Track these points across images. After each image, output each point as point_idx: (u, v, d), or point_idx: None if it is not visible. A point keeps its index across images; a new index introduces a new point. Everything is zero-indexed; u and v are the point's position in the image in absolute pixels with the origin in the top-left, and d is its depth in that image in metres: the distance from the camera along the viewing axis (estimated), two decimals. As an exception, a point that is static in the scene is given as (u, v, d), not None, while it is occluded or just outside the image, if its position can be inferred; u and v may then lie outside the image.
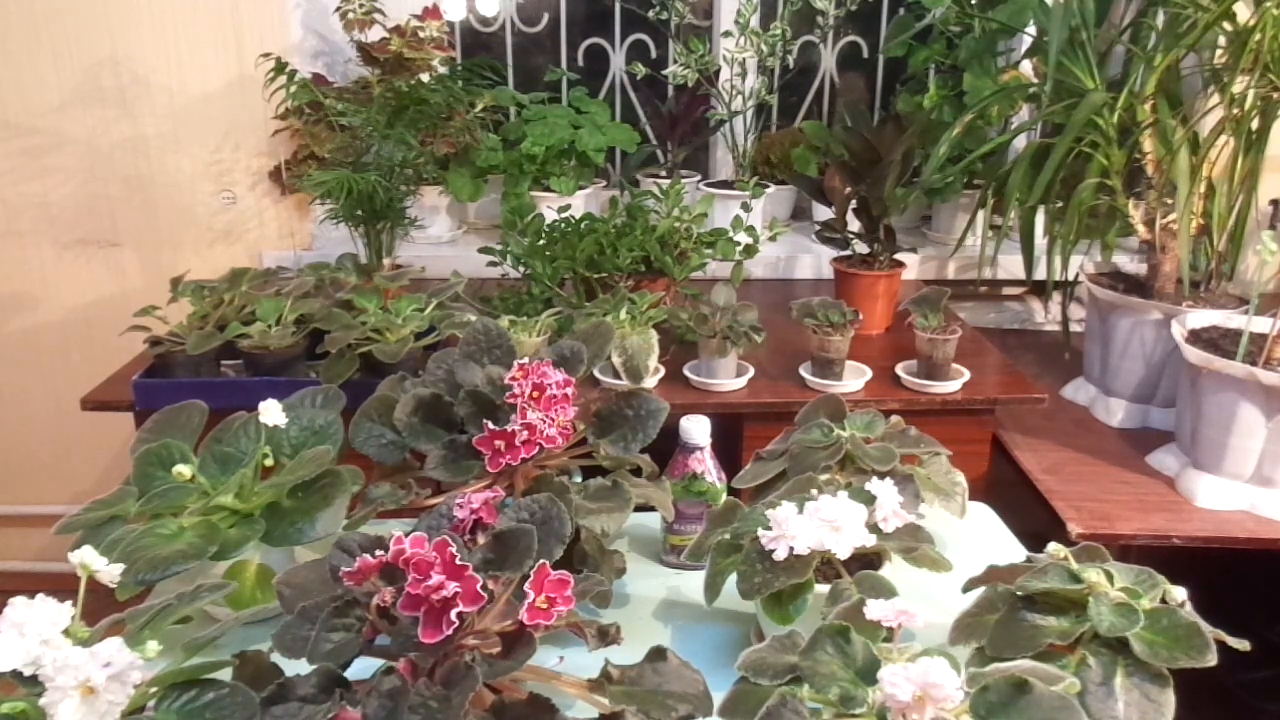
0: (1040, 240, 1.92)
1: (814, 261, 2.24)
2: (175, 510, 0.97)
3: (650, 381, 1.59)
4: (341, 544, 0.84)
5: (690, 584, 1.14)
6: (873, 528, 0.94)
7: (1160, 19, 1.68)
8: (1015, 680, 0.69)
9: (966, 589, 0.93)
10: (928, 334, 1.61)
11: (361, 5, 1.94)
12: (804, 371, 1.66)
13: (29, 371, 2.27)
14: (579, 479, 1.10)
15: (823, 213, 1.99)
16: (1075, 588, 0.83)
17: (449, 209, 2.26)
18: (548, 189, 2.12)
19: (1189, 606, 0.83)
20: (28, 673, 0.70)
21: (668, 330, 1.66)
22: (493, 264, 1.79)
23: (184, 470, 0.98)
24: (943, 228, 2.31)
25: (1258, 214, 1.77)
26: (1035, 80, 1.89)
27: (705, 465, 1.15)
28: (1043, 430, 1.74)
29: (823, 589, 0.91)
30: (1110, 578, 0.84)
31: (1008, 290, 2.31)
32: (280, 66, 1.90)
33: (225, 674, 0.75)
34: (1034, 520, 1.48)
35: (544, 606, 0.76)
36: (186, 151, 2.15)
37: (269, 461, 1.03)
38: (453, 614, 0.72)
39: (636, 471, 1.10)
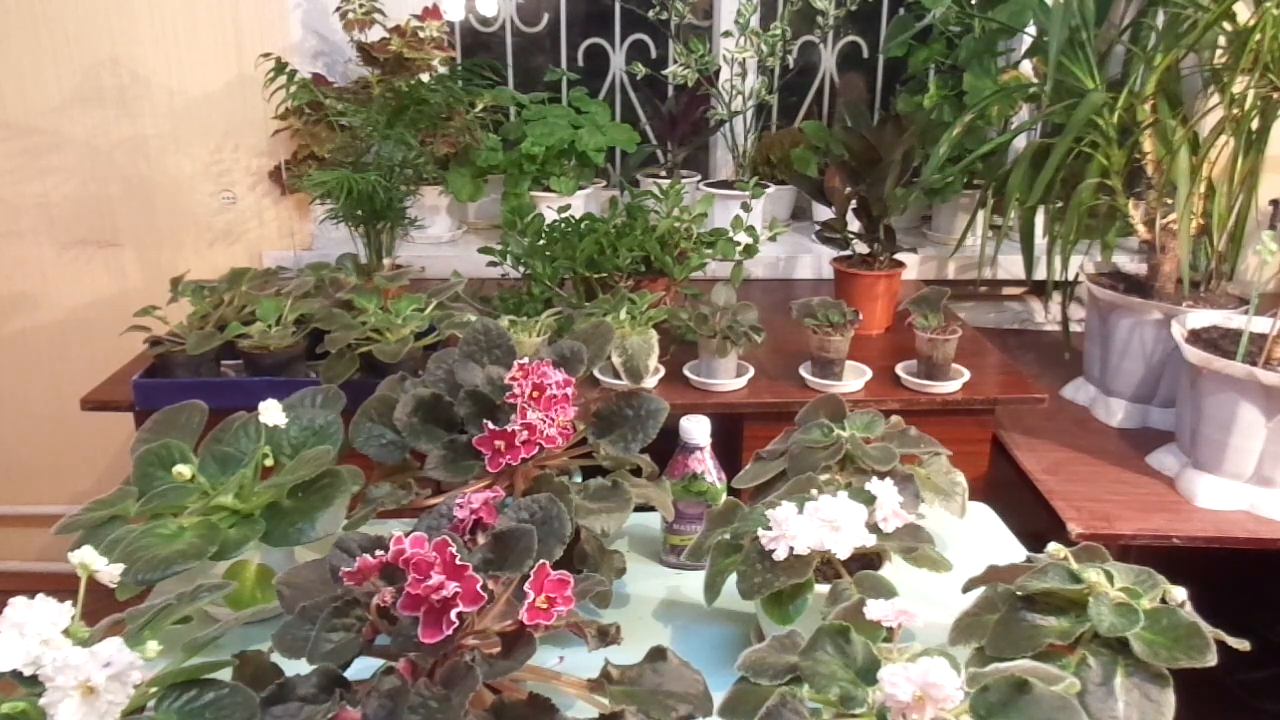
0: (1040, 240, 1.92)
1: (814, 261, 2.24)
2: (175, 510, 0.97)
3: (650, 381, 1.59)
4: (341, 544, 0.84)
5: (690, 584, 1.14)
6: (873, 528, 0.94)
7: (1160, 19, 1.68)
8: (1015, 680, 0.69)
9: (966, 589, 0.93)
10: (928, 334, 1.61)
11: (361, 5, 1.94)
12: (804, 371, 1.66)
13: (29, 371, 2.27)
14: (579, 479, 1.10)
15: (823, 213, 1.99)
16: (1075, 588, 0.83)
17: (449, 209, 2.26)
18: (548, 189, 2.12)
19: (1189, 606, 0.83)
20: (28, 673, 0.70)
21: (668, 330, 1.66)
22: (493, 264, 1.79)
23: (184, 470, 0.98)
24: (943, 228, 2.31)
25: (1258, 214, 1.77)
26: (1035, 80, 1.89)
27: (705, 465, 1.15)
28: (1043, 430, 1.74)
29: (823, 589, 0.91)
30: (1110, 578, 0.84)
31: (1008, 290, 2.31)
32: (280, 66, 1.90)
33: (225, 674, 0.75)
34: (1034, 520, 1.48)
35: (544, 606, 0.76)
36: (186, 151, 2.15)
37: (269, 461, 1.03)
38: (453, 614, 0.72)
39: (636, 471, 1.10)
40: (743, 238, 1.83)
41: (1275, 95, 1.57)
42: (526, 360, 1.06)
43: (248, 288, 1.66)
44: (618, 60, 2.38)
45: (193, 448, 1.03)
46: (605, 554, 1.03)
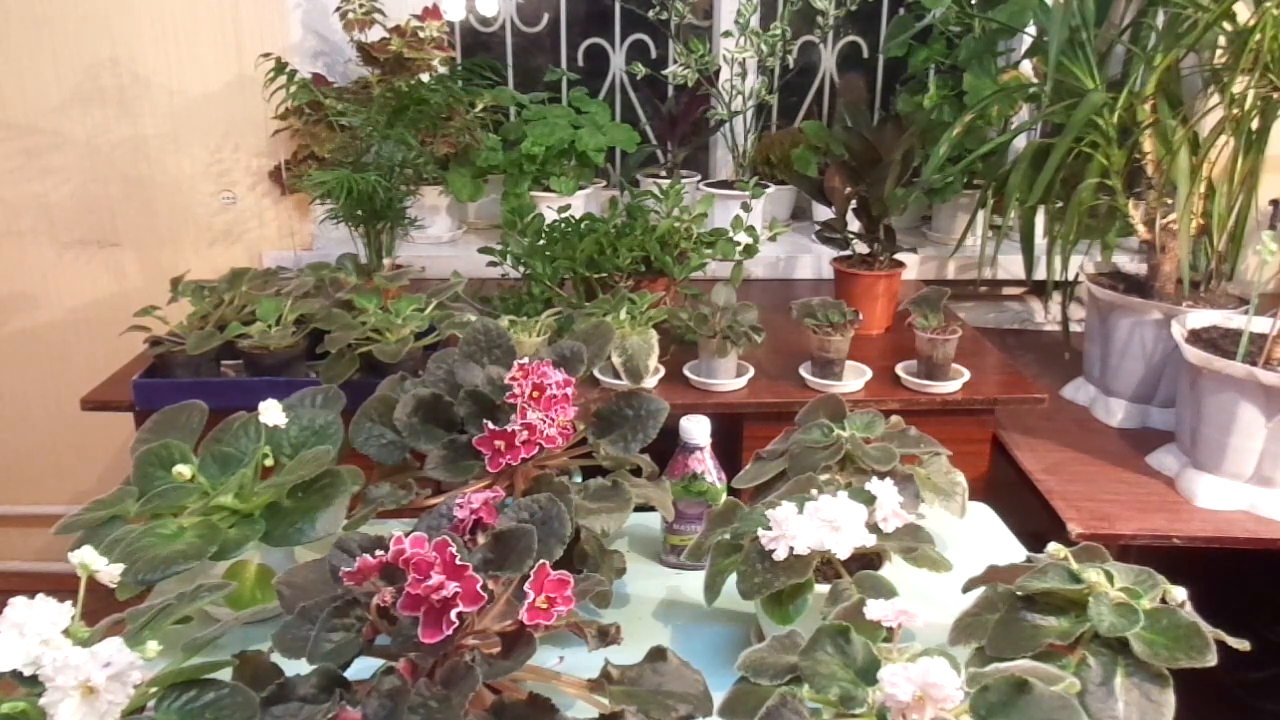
0: (1040, 240, 1.92)
1: (814, 261, 2.24)
2: (175, 510, 0.97)
3: (650, 381, 1.59)
4: (341, 544, 0.84)
5: (690, 584, 1.14)
6: (873, 528, 0.94)
7: (1160, 19, 1.68)
8: (1015, 680, 0.69)
9: (966, 589, 0.93)
10: (928, 334, 1.61)
11: (361, 5, 1.94)
12: (804, 371, 1.66)
13: (29, 371, 2.27)
14: (579, 479, 1.10)
15: (823, 213, 1.99)
16: (1075, 588, 0.83)
17: (449, 209, 2.26)
18: (548, 189, 2.12)
19: (1189, 606, 0.83)
20: (28, 673, 0.70)
21: (668, 330, 1.66)
22: (493, 264, 1.79)
23: (184, 470, 0.98)
24: (943, 228, 2.31)
25: (1258, 214, 1.77)
26: (1035, 80, 1.89)
27: (705, 465, 1.15)
28: (1043, 430, 1.74)
29: (823, 589, 0.91)
30: (1110, 578, 0.84)
31: (1008, 290, 2.31)
32: (280, 66, 1.90)
33: (225, 674, 0.75)
34: (1034, 520, 1.48)
35: (544, 606, 0.76)
36: (186, 151, 2.15)
37: (269, 461, 1.03)
38: (453, 614, 0.72)
39: (636, 471, 1.10)
40: (743, 238, 1.83)
41: (1275, 95, 1.57)
42: (526, 360, 1.06)
43: (248, 288, 1.66)
44: (618, 60, 2.38)
45: (193, 448, 1.03)
46: (605, 554, 1.03)
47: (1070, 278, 1.84)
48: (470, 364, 1.13)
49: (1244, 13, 1.56)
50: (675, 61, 2.22)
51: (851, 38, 2.39)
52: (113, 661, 0.67)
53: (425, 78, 1.91)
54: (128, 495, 1.00)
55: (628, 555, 1.14)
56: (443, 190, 2.17)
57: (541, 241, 1.78)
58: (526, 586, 0.77)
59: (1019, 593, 0.85)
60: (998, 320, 2.29)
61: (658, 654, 0.82)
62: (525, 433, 1.01)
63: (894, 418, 1.18)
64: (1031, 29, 1.89)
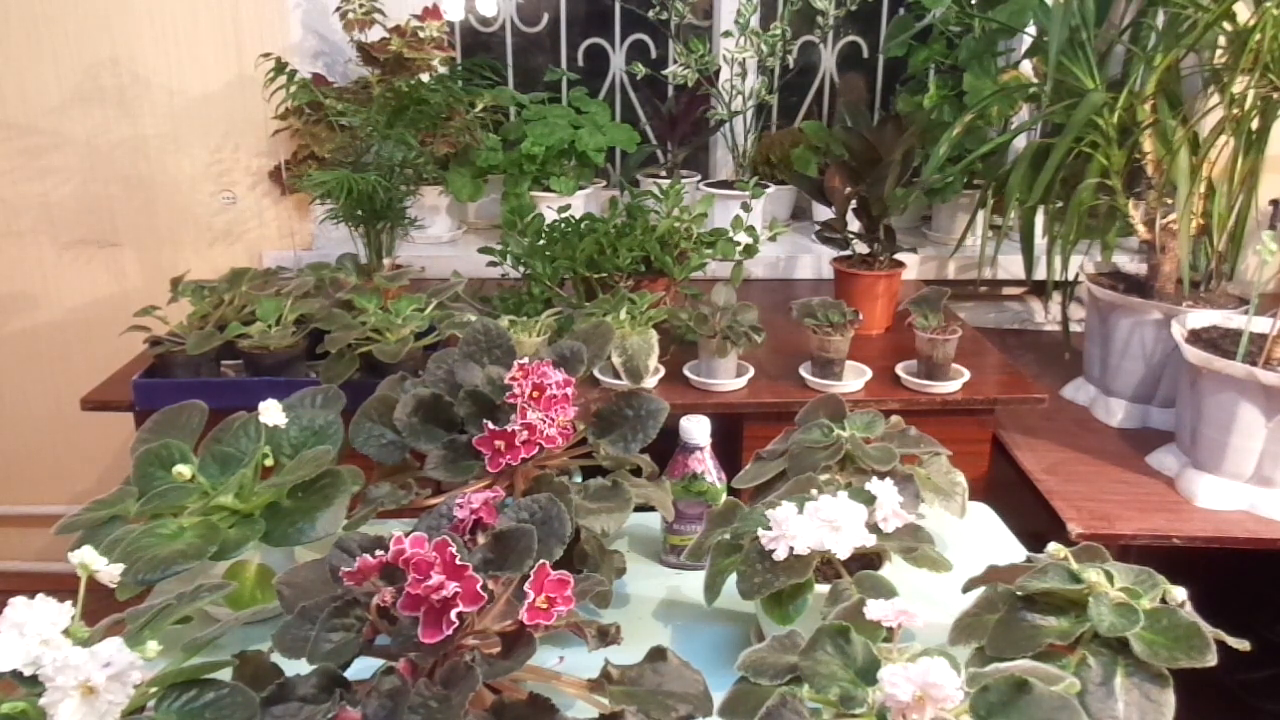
0: (1040, 240, 1.92)
1: (814, 261, 2.24)
2: (175, 510, 0.97)
3: (650, 381, 1.59)
4: (341, 544, 0.84)
5: (690, 584, 1.14)
6: (873, 528, 0.94)
7: (1160, 19, 1.68)
8: (1015, 680, 0.69)
9: (966, 589, 0.93)
10: (928, 334, 1.61)
11: (361, 5, 1.94)
12: (804, 371, 1.66)
13: (29, 371, 2.27)
14: (579, 479, 1.10)
15: (823, 213, 1.99)
16: (1075, 588, 0.83)
17: (449, 209, 2.26)
18: (548, 189, 2.12)
19: (1189, 606, 0.83)
20: (28, 673, 0.70)
21: (668, 330, 1.66)
22: (493, 264, 1.79)
23: (184, 470, 0.98)
24: (943, 228, 2.31)
25: (1258, 214, 1.77)
26: (1035, 80, 1.89)
27: (705, 465, 1.15)
28: (1043, 430, 1.74)
29: (823, 589, 0.91)
30: (1110, 578, 0.84)
31: (1008, 290, 2.31)
32: (280, 67, 1.90)
33: (225, 674, 0.75)
34: (1034, 520, 1.48)
35: (544, 606, 0.76)
36: (186, 151, 2.15)
37: (269, 461, 1.03)
38: (453, 614, 0.72)
39: (636, 471, 1.10)
40: (743, 238, 1.83)
41: (1275, 95, 1.57)
42: (526, 360, 1.06)
43: (248, 288, 1.66)
44: (618, 60, 2.38)
45: (193, 448, 1.03)
46: (605, 554, 1.03)
47: (1070, 278, 1.84)
48: (470, 364, 1.13)
49: (1244, 13, 1.56)
50: (675, 61, 2.22)
51: (851, 38, 2.39)
52: (113, 661, 0.67)
53: (425, 78, 1.91)
54: (128, 495, 1.00)
55: (628, 555, 1.14)
56: (443, 190, 2.17)
57: (541, 241, 1.78)
58: (526, 586, 0.77)
59: (1019, 593, 0.85)
60: (998, 320, 2.29)
61: (658, 654, 0.82)
62: (525, 433, 1.01)
63: (894, 418, 1.18)
64: (1031, 29, 1.89)
